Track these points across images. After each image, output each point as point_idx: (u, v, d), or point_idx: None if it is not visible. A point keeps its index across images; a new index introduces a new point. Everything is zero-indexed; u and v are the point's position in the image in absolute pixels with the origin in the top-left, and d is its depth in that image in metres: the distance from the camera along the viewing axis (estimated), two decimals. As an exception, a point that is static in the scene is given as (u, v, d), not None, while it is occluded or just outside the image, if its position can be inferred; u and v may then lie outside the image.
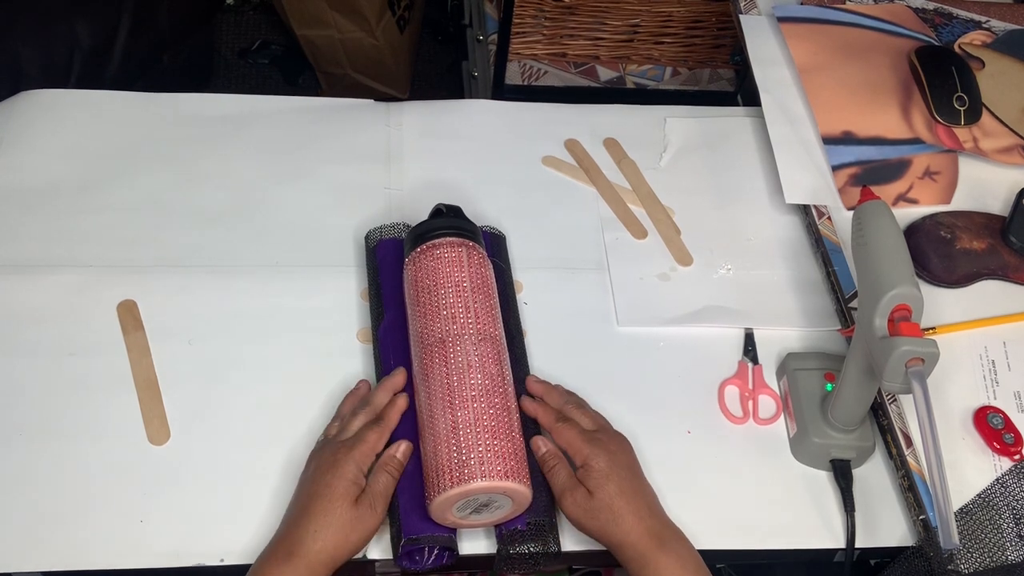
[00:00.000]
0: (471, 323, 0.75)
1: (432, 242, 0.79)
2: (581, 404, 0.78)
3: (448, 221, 0.81)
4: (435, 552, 0.72)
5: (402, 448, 0.73)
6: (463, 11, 1.73)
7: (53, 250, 0.87)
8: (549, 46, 1.42)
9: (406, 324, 0.80)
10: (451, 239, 0.79)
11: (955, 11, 1.11)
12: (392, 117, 1.01)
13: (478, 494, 0.69)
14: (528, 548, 0.72)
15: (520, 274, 0.90)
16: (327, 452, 0.71)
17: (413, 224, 0.82)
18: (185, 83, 1.71)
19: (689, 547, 0.69)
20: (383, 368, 0.80)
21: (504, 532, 0.72)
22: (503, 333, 0.78)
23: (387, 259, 0.86)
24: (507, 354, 0.77)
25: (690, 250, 0.93)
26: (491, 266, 0.81)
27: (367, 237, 0.89)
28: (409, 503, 0.72)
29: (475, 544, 0.74)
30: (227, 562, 0.71)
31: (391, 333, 0.81)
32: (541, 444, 0.74)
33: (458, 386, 0.72)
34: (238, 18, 2.12)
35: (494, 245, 0.89)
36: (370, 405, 0.75)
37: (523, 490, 0.69)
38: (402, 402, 0.76)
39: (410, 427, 0.75)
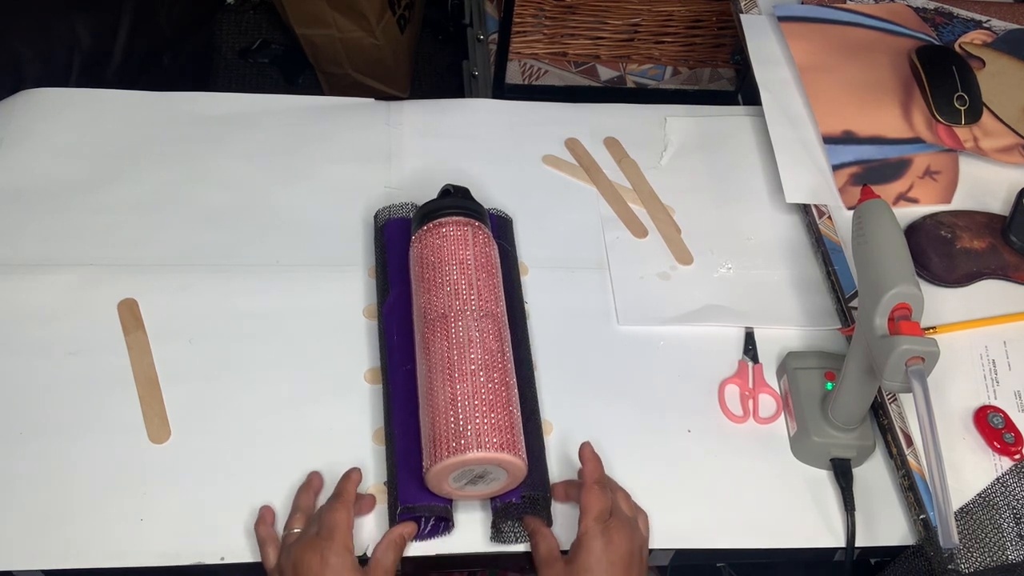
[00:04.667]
0: (473, 299, 0.76)
1: (439, 220, 0.80)
2: (615, 489, 0.75)
3: (455, 201, 0.83)
4: (431, 523, 0.73)
5: (408, 529, 0.72)
6: (463, 11, 1.73)
7: (53, 249, 0.87)
8: (549, 45, 1.42)
9: (410, 301, 0.81)
10: (457, 218, 0.81)
11: (955, 10, 1.11)
12: (392, 116, 1.01)
13: (474, 465, 0.69)
14: (523, 521, 0.73)
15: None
16: (310, 553, 0.67)
17: (420, 205, 0.84)
18: (185, 83, 1.70)
19: None
20: (387, 342, 0.81)
21: (499, 505, 0.73)
22: (505, 311, 0.79)
23: (394, 238, 0.87)
24: (508, 332, 0.79)
25: (690, 249, 0.93)
26: (496, 246, 0.83)
27: (376, 216, 0.91)
28: (407, 473, 0.73)
29: (474, 542, 0.74)
30: (227, 561, 0.71)
31: (395, 309, 0.82)
32: (529, 522, 0.73)
33: (458, 360, 0.73)
34: (238, 18, 2.12)
35: (501, 227, 0.91)
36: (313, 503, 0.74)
37: (518, 462, 0.70)
38: (356, 475, 0.74)
39: (411, 399, 0.76)
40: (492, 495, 0.74)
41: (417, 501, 0.72)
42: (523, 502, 0.73)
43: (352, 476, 0.74)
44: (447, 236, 0.80)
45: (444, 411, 0.71)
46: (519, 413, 0.74)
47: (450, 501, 0.73)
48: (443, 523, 0.73)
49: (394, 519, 0.72)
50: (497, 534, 0.73)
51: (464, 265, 0.78)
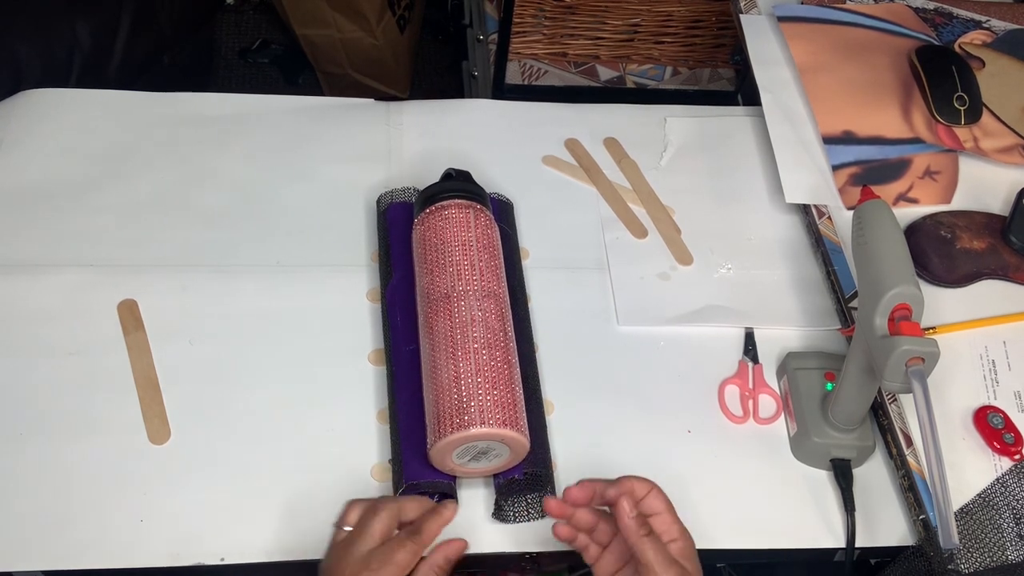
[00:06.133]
0: (476, 280, 0.78)
1: (441, 203, 0.82)
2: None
3: (457, 184, 0.84)
4: (435, 499, 0.74)
5: (455, 549, 0.66)
6: (463, 11, 1.73)
7: (53, 250, 0.87)
8: (549, 46, 1.42)
9: (413, 283, 0.82)
10: (460, 201, 0.82)
11: (955, 11, 1.11)
12: (392, 117, 1.01)
13: (477, 440, 0.71)
14: (525, 499, 0.74)
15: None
16: (351, 571, 0.63)
17: (422, 189, 0.85)
18: (185, 83, 1.70)
19: None
20: (390, 323, 0.82)
21: (501, 481, 0.74)
22: (507, 292, 0.81)
23: (397, 222, 0.89)
24: (510, 312, 0.80)
25: (690, 249, 0.93)
26: (497, 229, 0.84)
27: (378, 201, 0.92)
28: (411, 451, 0.74)
29: (476, 518, 0.74)
30: (227, 562, 0.71)
31: (398, 291, 0.83)
32: (628, 508, 0.63)
33: (461, 339, 0.74)
34: (238, 18, 2.12)
35: (501, 211, 0.92)
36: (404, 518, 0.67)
37: (520, 439, 0.72)
38: (448, 514, 0.67)
39: (415, 379, 0.77)
40: (495, 472, 0.75)
41: (422, 478, 0.73)
42: (526, 479, 0.74)
43: (444, 515, 0.67)
44: (449, 218, 0.81)
45: (448, 389, 0.72)
46: (521, 391, 0.75)
47: (454, 478, 0.75)
48: (447, 500, 0.74)
49: (399, 496, 0.73)
50: (499, 511, 0.74)
51: (466, 246, 0.79)
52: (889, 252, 0.71)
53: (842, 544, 0.76)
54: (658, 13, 1.37)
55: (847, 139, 0.98)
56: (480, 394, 0.71)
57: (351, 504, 0.67)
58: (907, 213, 0.95)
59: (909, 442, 0.79)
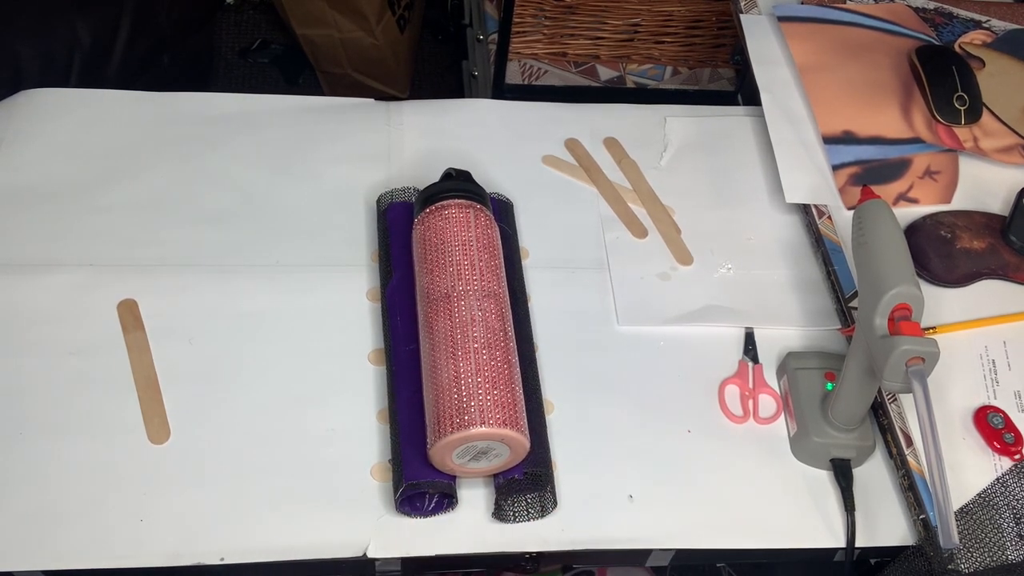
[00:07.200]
0: (476, 280, 0.78)
1: (442, 203, 0.82)
2: None
3: (457, 184, 0.84)
4: (435, 499, 0.74)
5: None
6: (463, 11, 1.73)
7: (53, 250, 0.87)
8: (549, 45, 1.42)
9: (413, 283, 0.82)
10: (460, 201, 0.82)
11: (955, 10, 1.11)
12: (392, 117, 1.02)
13: (477, 440, 0.71)
14: (525, 498, 0.74)
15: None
16: None
17: (422, 188, 0.85)
18: (185, 83, 1.70)
19: None
20: (390, 323, 0.82)
21: (501, 481, 0.74)
22: (507, 292, 0.81)
23: (397, 221, 0.89)
24: (510, 312, 0.80)
25: (690, 249, 0.93)
26: (497, 229, 0.84)
27: (378, 201, 0.92)
28: (411, 451, 0.74)
29: (476, 519, 0.74)
30: (227, 562, 0.71)
31: (398, 291, 0.83)
32: None
33: (461, 339, 0.74)
34: (238, 18, 2.12)
35: (501, 211, 0.92)
36: None
37: (520, 439, 0.72)
38: None
39: (415, 379, 0.77)
40: (495, 471, 0.75)
41: (422, 477, 0.73)
42: (525, 478, 0.74)
43: None
44: (449, 218, 0.81)
45: (448, 388, 0.72)
46: (521, 390, 0.75)
47: (454, 478, 0.75)
48: (447, 500, 0.74)
49: (398, 497, 0.73)
50: (499, 511, 0.74)
51: (466, 246, 0.79)
52: (889, 252, 0.71)
53: (842, 544, 0.76)
54: (658, 13, 1.38)
55: (847, 139, 0.98)
56: (480, 394, 0.71)
57: None
58: (907, 213, 0.95)
59: (909, 442, 0.79)
